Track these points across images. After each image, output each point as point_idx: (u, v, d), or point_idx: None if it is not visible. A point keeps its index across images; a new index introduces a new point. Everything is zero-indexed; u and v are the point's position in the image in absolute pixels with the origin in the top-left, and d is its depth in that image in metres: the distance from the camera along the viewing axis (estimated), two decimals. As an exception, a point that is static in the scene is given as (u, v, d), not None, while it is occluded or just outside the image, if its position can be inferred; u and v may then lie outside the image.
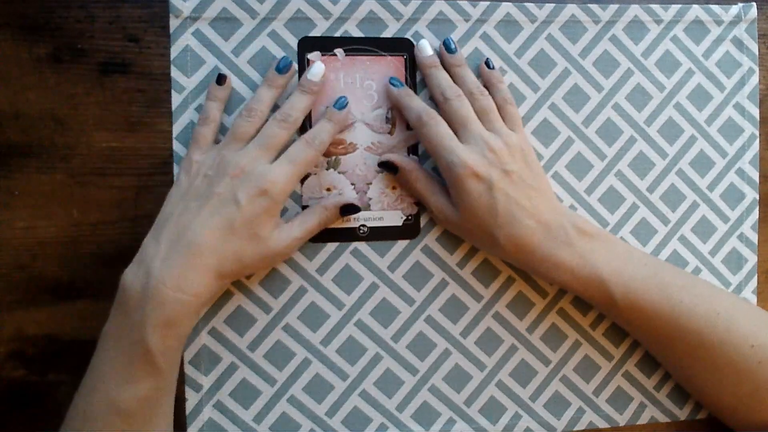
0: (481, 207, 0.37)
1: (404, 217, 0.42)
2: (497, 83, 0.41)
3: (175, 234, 0.35)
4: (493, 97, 0.40)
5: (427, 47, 0.41)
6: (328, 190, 0.41)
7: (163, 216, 0.36)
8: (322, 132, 0.39)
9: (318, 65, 0.39)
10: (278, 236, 0.37)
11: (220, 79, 0.39)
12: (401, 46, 0.42)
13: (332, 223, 0.40)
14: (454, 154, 0.37)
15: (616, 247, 0.39)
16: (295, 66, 0.40)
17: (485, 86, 0.41)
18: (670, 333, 0.38)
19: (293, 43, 0.41)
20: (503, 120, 0.40)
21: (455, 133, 0.39)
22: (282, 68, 0.39)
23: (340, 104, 0.40)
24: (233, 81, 0.40)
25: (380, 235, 0.41)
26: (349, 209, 0.40)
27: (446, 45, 0.41)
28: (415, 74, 0.42)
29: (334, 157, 0.41)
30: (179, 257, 0.34)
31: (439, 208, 0.40)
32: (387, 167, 0.41)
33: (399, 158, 0.41)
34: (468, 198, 0.37)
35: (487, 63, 0.41)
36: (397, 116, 0.42)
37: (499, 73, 0.41)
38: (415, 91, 0.42)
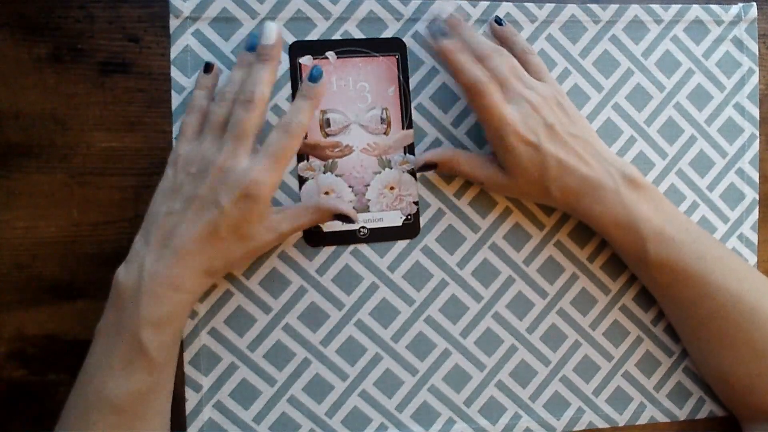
0: (533, 167, 0.38)
1: (404, 217, 0.42)
2: (512, 36, 0.41)
3: (162, 237, 0.34)
4: (511, 52, 0.40)
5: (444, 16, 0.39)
6: (327, 193, 0.41)
7: (150, 215, 0.36)
8: (298, 113, 0.36)
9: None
10: (265, 232, 0.36)
11: (207, 68, 0.39)
12: (393, 46, 0.42)
13: (323, 223, 0.40)
14: (505, 122, 0.37)
15: (662, 204, 0.39)
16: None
17: (501, 44, 0.41)
18: (695, 300, 0.38)
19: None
20: (528, 72, 0.39)
21: None
22: (251, 47, 0.38)
23: (315, 75, 0.37)
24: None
25: (380, 236, 0.41)
26: (342, 218, 0.39)
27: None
28: (407, 74, 0.42)
29: (330, 160, 0.41)
30: (170, 258, 0.34)
31: (490, 179, 0.40)
32: (427, 167, 0.40)
33: (433, 155, 0.40)
34: (520, 162, 0.37)
35: (498, 21, 0.41)
36: (391, 116, 0.42)
37: (512, 27, 0.42)
38: (408, 94, 0.42)
